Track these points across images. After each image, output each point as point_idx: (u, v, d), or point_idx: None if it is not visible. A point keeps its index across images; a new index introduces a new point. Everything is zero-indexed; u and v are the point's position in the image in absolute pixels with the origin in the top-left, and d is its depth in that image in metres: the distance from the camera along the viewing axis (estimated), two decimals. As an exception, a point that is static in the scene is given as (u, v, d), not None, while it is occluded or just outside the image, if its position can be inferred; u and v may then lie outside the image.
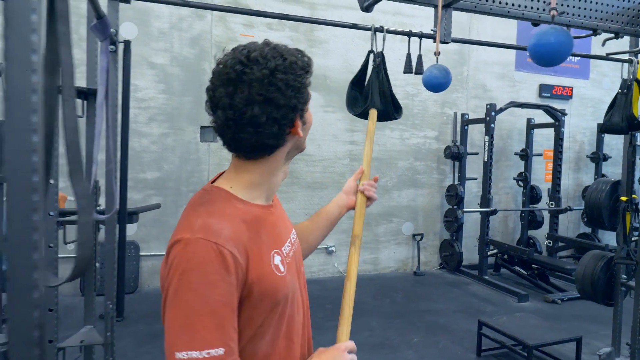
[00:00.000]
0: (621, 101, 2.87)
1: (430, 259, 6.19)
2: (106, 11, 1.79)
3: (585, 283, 3.30)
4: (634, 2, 2.70)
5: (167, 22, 4.87)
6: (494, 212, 5.60)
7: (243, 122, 0.81)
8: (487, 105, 5.62)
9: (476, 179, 6.01)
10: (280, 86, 0.81)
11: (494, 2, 2.45)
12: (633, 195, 3.16)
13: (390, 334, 3.83)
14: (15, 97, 0.74)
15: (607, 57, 3.24)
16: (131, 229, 4.65)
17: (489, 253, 5.68)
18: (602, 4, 2.66)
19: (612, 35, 2.75)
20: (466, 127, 5.96)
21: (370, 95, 2.20)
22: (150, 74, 4.84)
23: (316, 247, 1.26)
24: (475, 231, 6.11)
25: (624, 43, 3.04)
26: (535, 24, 2.61)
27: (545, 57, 1.33)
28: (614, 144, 6.99)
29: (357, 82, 2.34)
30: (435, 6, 2.28)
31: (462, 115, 5.99)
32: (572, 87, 6.80)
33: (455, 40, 2.50)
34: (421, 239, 6.00)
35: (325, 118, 5.48)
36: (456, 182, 5.90)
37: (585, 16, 2.63)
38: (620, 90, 2.87)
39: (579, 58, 6.64)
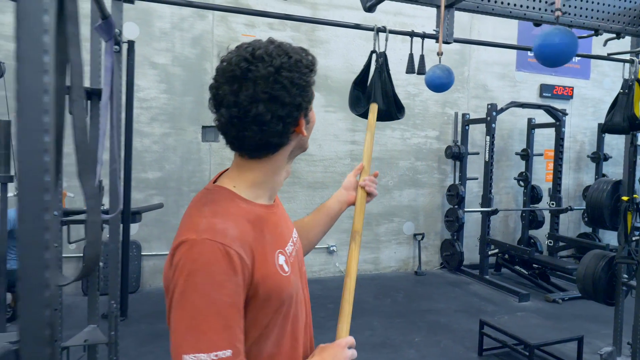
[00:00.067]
0: (623, 101, 2.88)
1: (431, 259, 6.20)
2: (110, 11, 1.80)
3: (587, 283, 3.31)
4: (635, 3, 2.70)
5: (169, 22, 4.87)
6: (495, 211, 5.61)
7: (247, 120, 0.80)
8: (488, 105, 5.63)
9: (477, 178, 6.01)
10: (285, 84, 0.81)
11: (496, 2, 2.46)
12: (634, 195, 3.17)
13: (391, 334, 3.84)
14: (27, 98, 0.75)
15: (608, 57, 3.25)
16: (133, 229, 4.65)
17: (489, 253, 5.69)
18: (603, 4, 2.67)
19: (614, 35, 2.76)
20: (467, 127, 5.96)
21: (373, 95, 2.21)
22: (152, 74, 4.84)
23: (316, 244, 1.25)
24: (476, 231, 6.11)
25: (625, 43, 3.04)
26: (537, 24, 2.62)
27: (551, 57, 1.33)
28: (615, 144, 7.00)
29: (360, 82, 2.34)
30: (438, 6, 2.29)
31: (463, 115, 5.99)
32: (572, 87, 6.81)
33: (457, 41, 2.51)
34: (422, 239, 6.01)
35: (327, 118, 5.48)
36: (457, 182, 5.91)
37: (587, 16, 2.64)
38: (621, 90, 2.88)
39: (579, 58, 6.65)
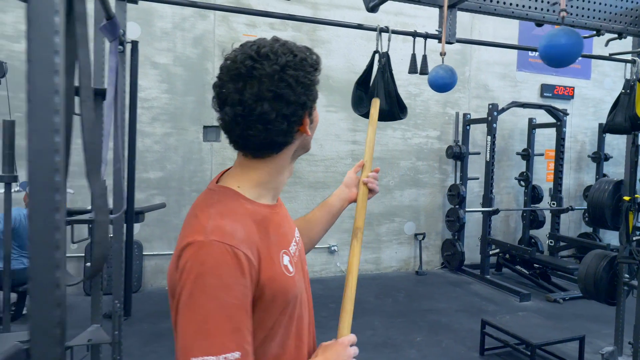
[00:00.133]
0: (624, 101, 2.88)
1: (432, 259, 6.20)
2: (113, 11, 1.80)
3: (588, 282, 3.32)
4: (637, 3, 2.71)
5: (170, 22, 4.88)
6: (496, 211, 5.61)
7: (252, 118, 0.79)
8: (489, 105, 5.63)
9: (478, 178, 6.02)
10: (290, 82, 0.80)
11: (498, 2, 2.46)
12: (636, 195, 3.18)
13: (392, 333, 3.85)
14: (38, 98, 0.75)
15: (610, 58, 3.25)
16: (134, 229, 4.65)
17: (490, 252, 5.69)
18: (605, 4, 2.67)
19: (615, 35, 2.77)
20: (468, 127, 5.97)
21: (376, 95, 2.21)
22: (153, 74, 4.85)
23: (318, 242, 1.25)
24: (477, 231, 6.12)
25: (626, 43, 3.05)
26: (539, 24, 2.63)
27: (557, 58, 1.34)
28: (615, 144, 7.01)
29: (363, 82, 2.35)
30: (441, 7, 2.29)
31: (464, 115, 6.00)
32: (573, 87, 6.82)
33: (459, 41, 2.52)
34: (423, 239, 6.01)
35: (328, 118, 5.49)
36: (458, 182, 5.91)
37: (588, 17, 2.65)
38: (623, 91, 2.89)
39: (580, 58, 6.65)
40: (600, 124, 6.60)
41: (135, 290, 4.63)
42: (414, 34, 2.59)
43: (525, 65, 6.54)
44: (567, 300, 4.88)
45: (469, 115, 5.98)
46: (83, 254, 4.52)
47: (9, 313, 2.35)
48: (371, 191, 1.28)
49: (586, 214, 6.26)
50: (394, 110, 2.27)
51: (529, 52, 6.42)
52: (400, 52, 4.94)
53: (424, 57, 2.53)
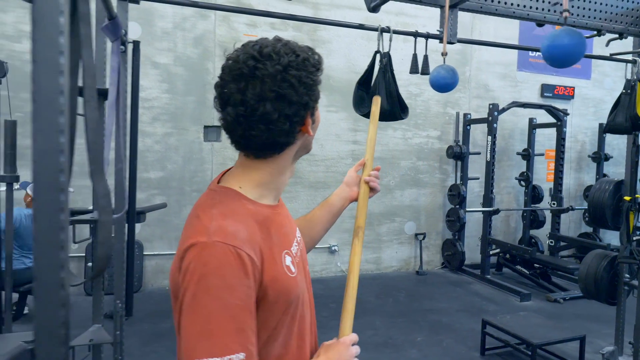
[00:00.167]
0: (625, 101, 2.89)
1: (432, 259, 6.21)
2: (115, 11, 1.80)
3: (589, 282, 3.32)
4: (637, 3, 2.71)
5: (171, 21, 4.88)
6: (496, 211, 5.61)
7: (254, 118, 0.79)
8: (489, 105, 5.64)
9: (478, 178, 6.02)
10: (293, 83, 0.80)
11: (499, 2, 2.46)
12: (636, 195, 3.18)
13: (394, 333, 3.85)
14: (43, 99, 0.75)
15: (610, 58, 3.25)
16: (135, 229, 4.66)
17: (491, 252, 5.69)
18: (606, 4, 2.67)
19: (616, 35, 2.77)
20: (468, 127, 5.97)
21: (377, 95, 2.21)
22: (154, 74, 4.85)
23: (318, 241, 1.24)
24: (477, 231, 6.12)
25: (626, 43, 3.05)
26: (540, 24, 2.63)
27: (560, 58, 1.34)
28: (615, 144, 7.01)
29: (364, 83, 2.35)
30: (442, 7, 2.29)
31: (465, 115, 6.00)
32: (573, 87, 6.82)
33: (460, 41, 2.52)
34: (423, 239, 6.02)
35: (328, 118, 5.49)
36: (458, 182, 5.92)
37: (589, 17, 2.65)
38: (624, 91, 2.89)
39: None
40: (600, 124, 6.60)
41: (136, 290, 4.63)
42: (415, 34, 2.59)
43: (525, 65, 6.54)
44: (567, 300, 4.88)
45: (469, 115, 5.98)
46: (84, 254, 4.51)
47: (11, 313, 2.35)
48: (372, 190, 1.27)
49: (586, 214, 6.27)
50: (395, 110, 2.27)
51: (530, 52, 6.42)
52: (400, 52, 4.94)
53: (425, 57, 2.53)
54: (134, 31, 4.65)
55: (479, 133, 6.21)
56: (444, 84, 2.10)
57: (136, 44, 3.53)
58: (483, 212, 5.74)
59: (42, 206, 0.76)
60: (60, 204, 0.77)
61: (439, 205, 6.19)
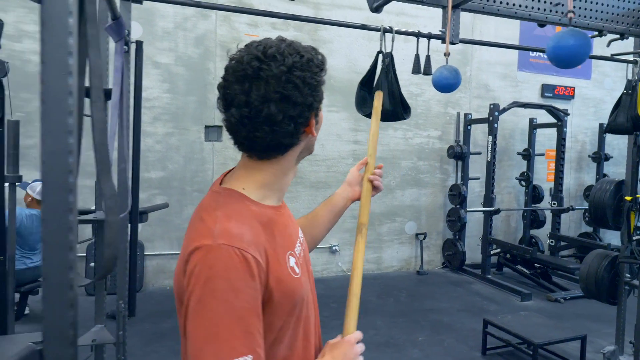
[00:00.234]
0: (626, 102, 2.90)
1: (433, 258, 6.21)
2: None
3: (590, 282, 3.33)
4: (639, 4, 2.72)
5: (172, 21, 4.88)
6: (497, 211, 5.62)
7: (259, 120, 0.78)
8: (490, 105, 5.64)
9: (479, 178, 6.02)
10: (297, 83, 0.79)
11: (501, 3, 2.47)
12: (637, 195, 3.19)
13: (395, 333, 3.85)
14: (52, 100, 0.75)
15: (611, 58, 3.26)
16: (136, 229, 4.66)
17: (491, 252, 5.70)
18: (607, 5, 2.68)
19: (617, 36, 2.77)
20: (469, 127, 5.97)
21: (380, 95, 2.21)
22: (155, 74, 4.85)
23: (320, 241, 1.23)
24: (478, 230, 6.13)
25: (627, 44, 3.06)
26: (542, 24, 2.63)
27: (565, 59, 1.34)
28: (616, 144, 7.02)
29: (366, 83, 2.36)
30: (444, 7, 2.30)
31: (465, 115, 6.00)
32: (574, 87, 6.83)
33: (462, 41, 2.52)
34: (424, 239, 6.02)
35: (329, 118, 5.49)
36: (459, 182, 5.92)
37: (591, 17, 2.65)
38: (625, 91, 2.90)
39: (581, 58, 6.65)
40: (600, 124, 6.61)
41: (137, 290, 4.63)
42: (418, 35, 2.59)
43: (526, 65, 6.55)
44: (568, 300, 4.89)
45: (470, 115, 5.99)
46: (84, 254, 4.51)
47: (13, 313, 2.35)
48: (375, 188, 1.25)
49: (586, 214, 6.28)
50: (398, 110, 2.28)
51: (530, 52, 6.42)
52: (402, 52, 4.93)
53: (428, 58, 2.53)
54: (135, 31, 4.65)
55: (479, 133, 6.21)
56: (447, 84, 2.10)
57: (139, 44, 3.53)
58: (484, 212, 5.74)
59: (51, 207, 0.76)
60: (69, 205, 0.77)
61: (439, 205, 6.19)
